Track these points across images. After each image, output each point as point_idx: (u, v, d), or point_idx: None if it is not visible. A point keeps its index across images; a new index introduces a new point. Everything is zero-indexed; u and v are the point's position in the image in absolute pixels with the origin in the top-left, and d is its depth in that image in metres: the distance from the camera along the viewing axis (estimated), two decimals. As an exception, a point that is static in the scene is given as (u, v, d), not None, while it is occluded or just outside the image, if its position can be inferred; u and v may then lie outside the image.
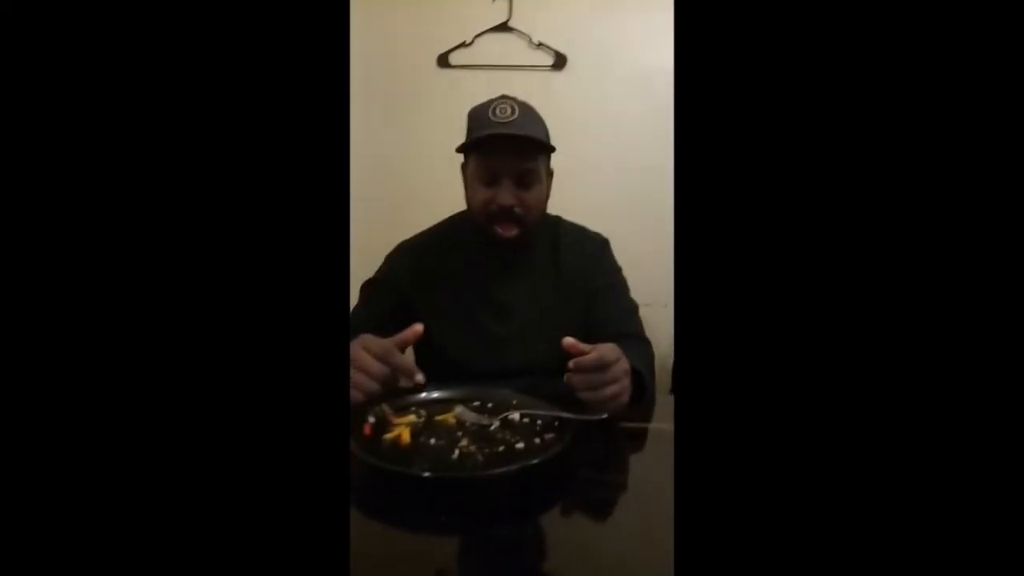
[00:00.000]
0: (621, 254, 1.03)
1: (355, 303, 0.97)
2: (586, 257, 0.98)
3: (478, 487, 0.57)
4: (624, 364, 0.69)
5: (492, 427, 0.66)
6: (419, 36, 1.52)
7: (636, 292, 1.02)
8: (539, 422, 0.67)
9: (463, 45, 1.51)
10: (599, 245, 1.02)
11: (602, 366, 0.66)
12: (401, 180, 1.57)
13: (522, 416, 0.68)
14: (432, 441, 0.63)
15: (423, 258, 0.97)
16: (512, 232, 0.88)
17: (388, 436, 0.63)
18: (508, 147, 0.85)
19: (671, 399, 0.98)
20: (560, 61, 1.50)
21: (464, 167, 0.94)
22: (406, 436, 0.63)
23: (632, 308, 0.99)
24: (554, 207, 0.99)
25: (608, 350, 0.67)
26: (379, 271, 0.99)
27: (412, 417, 0.68)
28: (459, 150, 0.90)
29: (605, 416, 0.67)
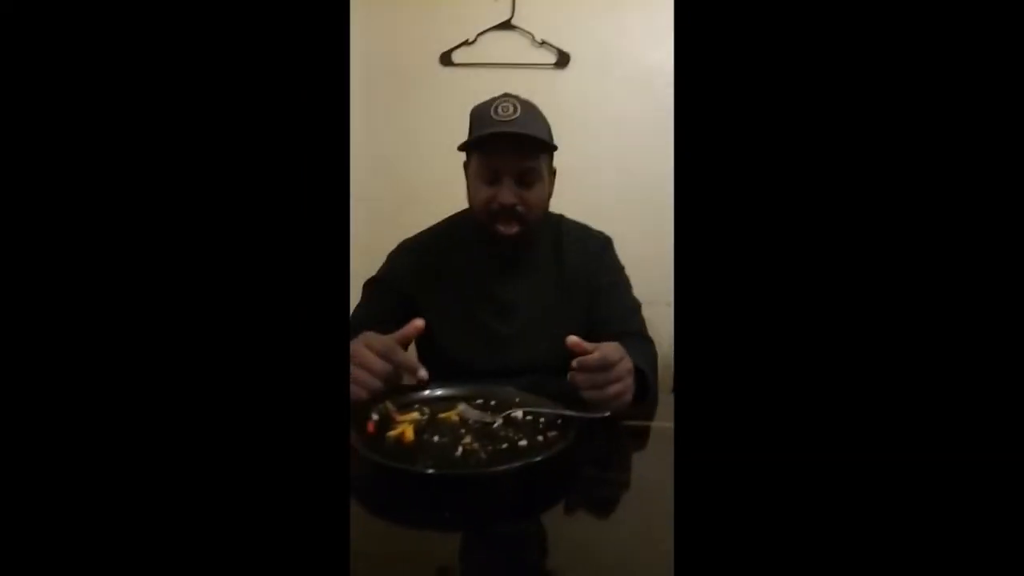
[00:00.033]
0: (623, 252, 1.03)
1: (357, 302, 0.97)
2: (589, 256, 0.99)
3: (481, 484, 0.57)
4: (627, 363, 0.69)
5: (495, 425, 0.66)
6: (421, 34, 1.52)
7: (638, 290, 1.02)
8: (542, 420, 0.67)
9: (466, 43, 1.50)
10: (602, 244, 1.02)
11: (606, 365, 0.66)
12: (403, 178, 1.57)
13: (525, 414, 0.69)
14: (435, 438, 0.63)
15: (425, 257, 0.97)
16: (513, 229, 0.88)
17: (392, 433, 0.64)
18: (510, 146, 0.85)
19: (672, 398, 0.98)
20: (563, 59, 1.49)
21: (466, 166, 0.94)
22: (410, 433, 0.63)
23: (635, 306, 0.99)
24: (557, 206, 0.99)
25: (612, 349, 0.67)
26: (381, 270, 1.00)
27: (416, 415, 0.69)
28: (461, 148, 0.90)
29: (608, 414, 0.67)
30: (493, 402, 0.73)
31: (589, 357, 0.66)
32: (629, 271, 1.03)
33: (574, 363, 0.66)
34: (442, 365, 0.87)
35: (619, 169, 1.52)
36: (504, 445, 0.62)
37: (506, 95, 0.89)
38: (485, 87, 0.98)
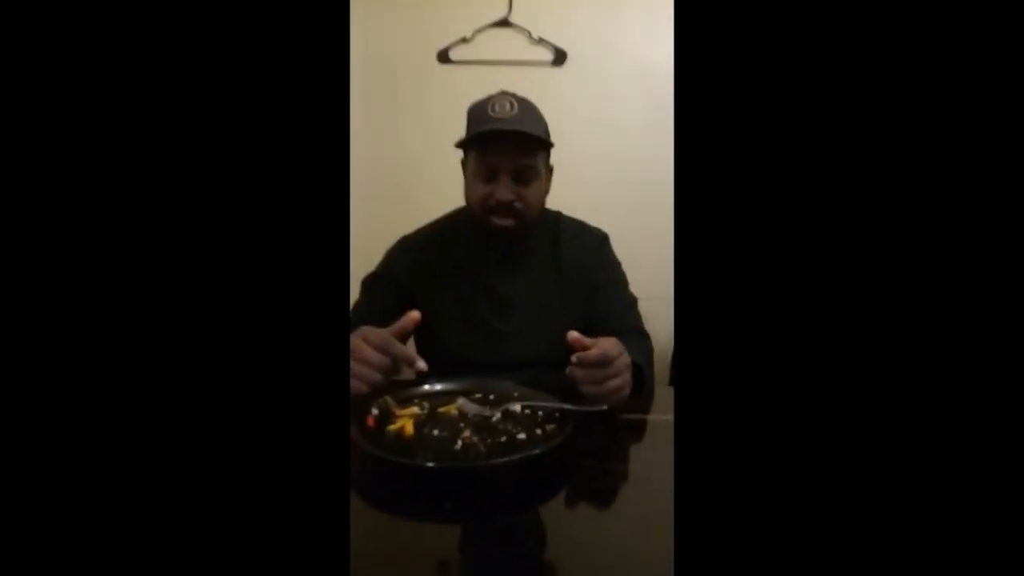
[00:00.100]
0: (620, 249, 1.04)
1: (356, 298, 0.98)
2: (586, 252, 0.99)
3: (481, 477, 0.58)
4: (625, 359, 0.70)
5: (494, 418, 0.67)
6: (419, 32, 1.52)
7: (635, 286, 1.02)
8: (540, 413, 0.68)
9: (463, 41, 1.51)
10: (599, 240, 1.02)
11: (605, 361, 0.67)
12: (400, 175, 1.57)
13: (523, 408, 0.69)
14: (435, 432, 0.64)
15: (423, 253, 0.98)
16: (509, 222, 0.88)
17: (392, 428, 0.64)
18: (507, 143, 0.85)
19: (670, 391, 0.99)
20: (560, 57, 1.50)
21: (464, 163, 0.95)
22: (409, 428, 0.64)
23: (632, 302, 1.00)
24: (554, 203, 1.00)
25: (610, 345, 0.68)
26: (379, 266, 1.00)
27: (415, 409, 0.69)
28: (458, 146, 0.91)
29: (605, 408, 0.68)
30: (492, 396, 0.73)
31: (588, 353, 0.66)
32: (625, 267, 1.03)
33: (573, 358, 0.67)
34: (441, 360, 0.87)
35: (616, 166, 1.52)
36: (503, 438, 0.62)
37: (503, 92, 0.90)
38: (482, 85, 0.98)
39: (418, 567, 0.47)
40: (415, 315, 0.73)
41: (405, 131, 1.56)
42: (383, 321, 0.74)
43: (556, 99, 1.12)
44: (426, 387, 0.76)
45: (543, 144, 0.89)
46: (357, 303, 0.97)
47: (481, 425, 0.65)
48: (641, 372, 0.76)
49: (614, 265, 1.02)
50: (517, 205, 0.88)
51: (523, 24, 1.49)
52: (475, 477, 0.58)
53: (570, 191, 1.06)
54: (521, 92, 0.91)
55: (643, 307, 1.01)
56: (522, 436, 0.63)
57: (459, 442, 0.61)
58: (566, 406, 0.67)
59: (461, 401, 0.70)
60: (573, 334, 0.68)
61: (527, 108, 0.89)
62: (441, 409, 0.69)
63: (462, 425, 0.65)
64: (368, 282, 0.99)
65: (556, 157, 0.95)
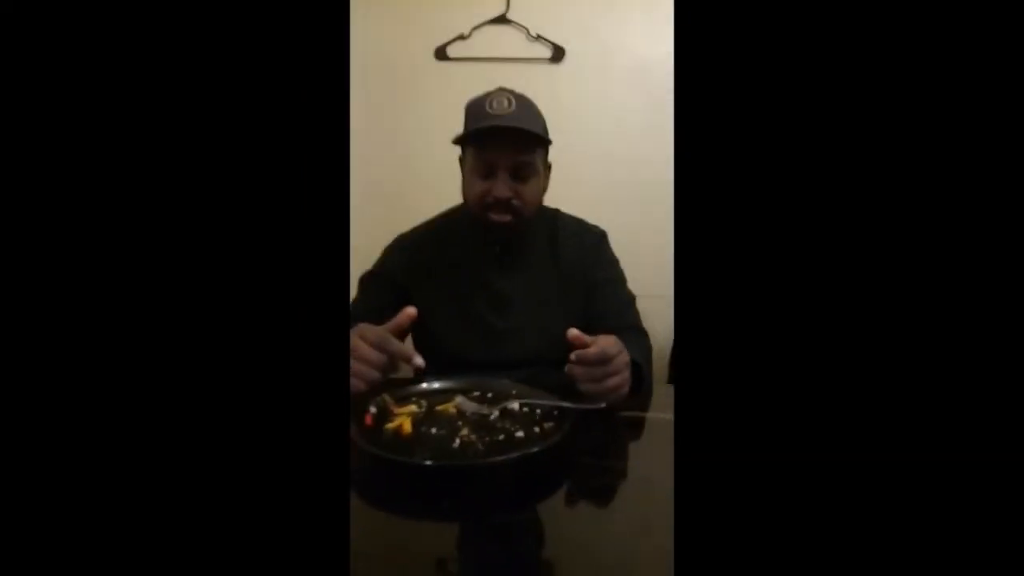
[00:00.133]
0: (618, 247, 1.04)
1: (353, 296, 0.98)
2: (585, 250, 0.99)
3: (479, 475, 0.58)
4: (625, 357, 0.70)
5: (492, 416, 0.67)
6: (416, 29, 1.52)
7: (633, 284, 1.02)
8: (538, 411, 0.68)
9: (461, 38, 1.50)
10: (597, 238, 1.02)
11: (604, 359, 0.67)
12: (397, 173, 1.57)
13: (522, 406, 0.69)
14: (433, 431, 0.64)
15: (421, 251, 0.98)
16: (506, 218, 0.88)
17: (390, 426, 0.64)
18: (505, 140, 0.85)
19: (668, 389, 0.99)
20: (558, 54, 1.49)
21: (462, 160, 0.95)
22: (407, 426, 0.64)
23: (630, 300, 1.00)
24: (552, 200, 1.00)
25: (610, 343, 0.68)
26: (377, 264, 1.00)
27: (413, 407, 0.69)
28: (456, 142, 0.91)
29: (603, 406, 0.67)
30: (490, 394, 0.73)
31: (588, 351, 0.66)
32: (625, 264, 1.03)
33: (572, 356, 0.67)
34: (439, 358, 0.87)
35: (614, 164, 1.52)
36: (501, 436, 0.62)
37: (501, 89, 0.89)
38: (480, 82, 0.98)
39: (416, 565, 0.47)
40: (411, 311, 0.72)
41: (402, 128, 1.56)
42: (380, 319, 0.74)
43: (554, 96, 1.12)
44: (424, 385, 0.76)
45: (541, 141, 0.89)
46: (354, 301, 0.97)
47: (479, 423, 0.65)
48: (640, 370, 0.76)
49: (612, 263, 1.02)
50: (515, 202, 0.88)
51: (521, 21, 1.48)
52: (473, 475, 0.58)
53: (568, 188, 1.06)
54: (519, 89, 0.91)
55: (641, 305, 1.01)
56: (520, 434, 0.63)
57: (457, 440, 0.61)
58: (564, 404, 0.67)
59: (459, 399, 0.70)
60: (573, 331, 0.67)
61: (525, 105, 0.88)
62: (439, 407, 0.69)
63: (460, 423, 0.65)
64: (365, 280, 0.99)
65: (554, 154, 0.95)
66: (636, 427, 0.76)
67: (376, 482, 0.58)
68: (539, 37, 1.49)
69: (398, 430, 0.63)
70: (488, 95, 0.88)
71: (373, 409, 0.67)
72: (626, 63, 1.50)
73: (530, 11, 1.49)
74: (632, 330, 0.93)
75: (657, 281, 1.25)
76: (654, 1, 1.45)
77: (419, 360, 0.70)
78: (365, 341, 0.69)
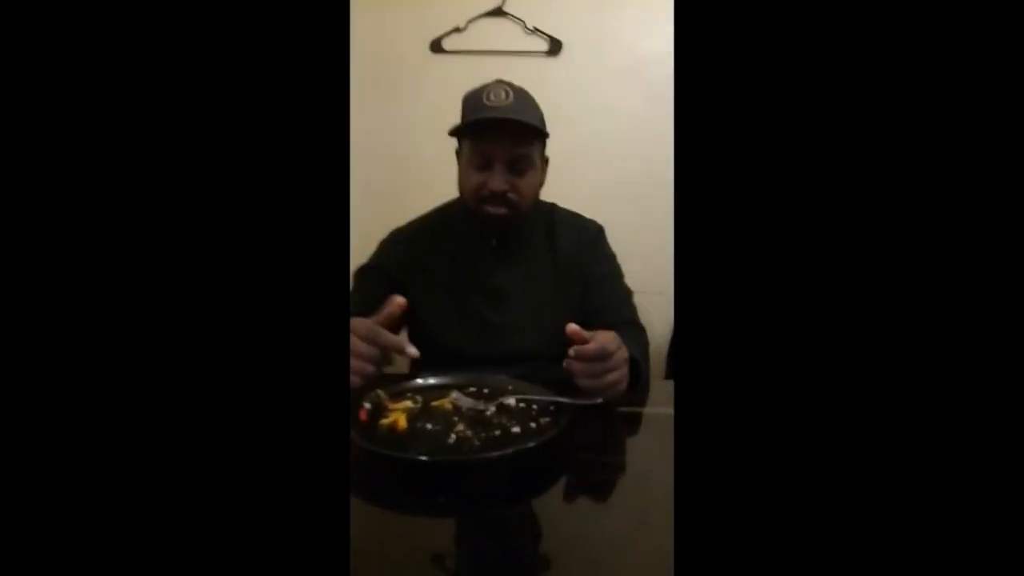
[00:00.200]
0: (615, 241, 1.04)
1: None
2: (582, 245, 0.98)
3: (475, 470, 0.57)
4: (623, 353, 0.70)
5: (488, 412, 0.66)
6: (412, 21, 1.50)
7: (630, 279, 1.02)
8: (535, 407, 0.68)
9: (456, 30, 1.49)
10: (594, 233, 1.02)
11: (603, 355, 0.66)
12: (393, 166, 1.56)
13: (518, 401, 0.69)
14: (428, 426, 0.63)
15: (416, 245, 0.97)
16: (502, 210, 0.87)
17: (384, 421, 0.63)
18: (502, 131, 0.84)
19: (665, 384, 0.99)
20: (555, 47, 1.48)
21: (458, 152, 0.94)
22: (402, 421, 0.63)
23: (627, 295, 0.99)
24: (549, 194, 0.99)
25: (609, 339, 0.68)
26: (372, 257, 0.99)
27: (408, 403, 0.68)
28: (453, 134, 0.90)
29: (600, 401, 0.67)
30: (486, 390, 0.73)
31: (587, 347, 0.66)
32: (621, 260, 1.03)
33: (571, 352, 0.66)
34: (435, 353, 0.87)
35: (611, 158, 1.51)
36: (497, 432, 0.62)
37: (499, 81, 0.88)
38: (476, 75, 0.97)
39: (412, 561, 0.47)
40: (400, 300, 0.71)
41: (397, 121, 1.54)
42: (375, 313, 0.73)
43: (551, 90, 1.11)
44: (419, 381, 0.75)
45: (538, 133, 0.88)
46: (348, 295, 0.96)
47: (475, 419, 0.65)
48: (637, 366, 0.76)
49: (609, 257, 1.02)
50: (511, 195, 0.87)
51: (517, 14, 1.47)
52: (469, 471, 0.57)
53: (563, 182, 1.05)
54: (516, 82, 0.90)
55: (638, 301, 1.00)
56: (516, 429, 0.62)
57: (453, 436, 0.61)
58: (561, 399, 0.67)
59: (455, 395, 0.70)
60: (572, 327, 0.67)
61: (523, 97, 0.88)
62: (435, 403, 0.69)
63: (456, 419, 0.65)
64: (360, 274, 0.98)
65: (550, 148, 0.94)
66: (633, 422, 0.75)
67: (371, 478, 0.57)
68: (536, 30, 1.48)
69: (393, 426, 0.63)
70: (486, 87, 0.87)
71: (367, 405, 0.66)
72: (623, 57, 1.49)
73: (527, 4, 1.47)
74: (629, 325, 0.92)
75: (654, 277, 1.24)
76: (652, -6, 1.44)
77: (411, 349, 0.69)
78: (355, 335, 0.68)
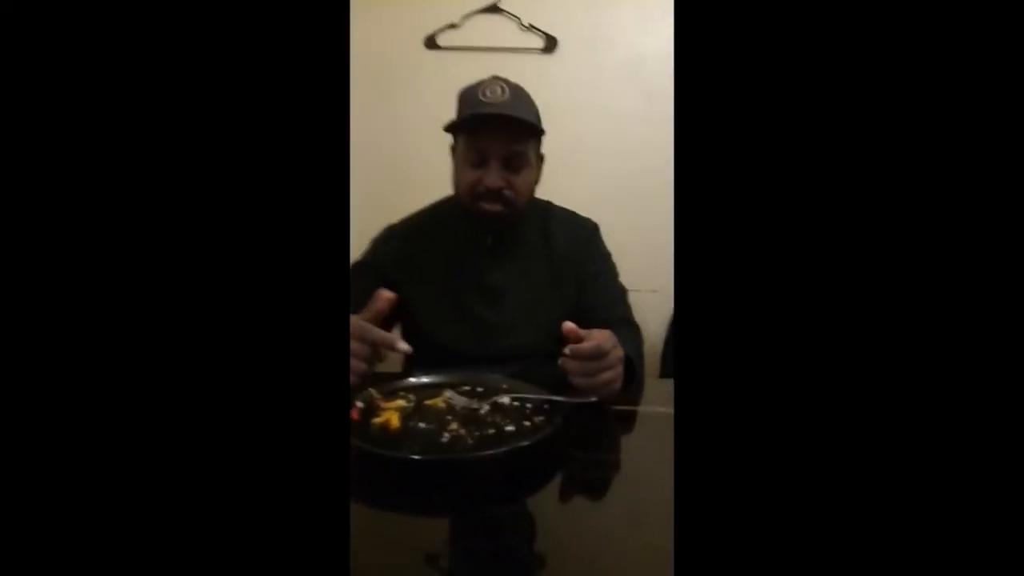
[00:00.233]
0: (610, 239, 1.03)
1: (342, 288, 0.96)
2: (577, 243, 0.98)
3: (468, 469, 0.57)
4: (619, 351, 0.70)
5: (482, 411, 0.66)
6: (406, 17, 1.49)
7: (625, 278, 1.02)
8: (529, 405, 0.67)
9: (451, 27, 1.48)
10: (590, 231, 1.01)
11: (599, 354, 0.66)
12: (388, 163, 1.55)
13: (512, 400, 0.68)
14: (421, 425, 0.63)
15: (411, 242, 0.96)
16: (497, 208, 0.87)
17: (377, 420, 0.63)
18: (498, 128, 0.84)
19: (661, 383, 0.99)
20: (550, 44, 1.48)
21: (453, 149, 0.93)
22: (395, 420, 0.63)
23: (622, 293, 0.99)
24: (544, 192, 0.98)
25: (604, 338, 0.67)
26: (365, 254, 0.98)
27: (401, 402, 0.68)
28: (448, 130, 0.89)
29: (594, 399, 0.67)
30: (480, 389, 0.72)
31: (583, 345, 0.65)
32: (616, 258, 1.02)
33: (567, 350, 0.66)
34: (429, 351, 0.86)
35: (607, 156, 1.51)
36: (491, 430, 0.61)
37: (495, 77, 0.88)
38: (471, 72, 0.96)
39: (406, 560, 0.46)
40: (388, 295, 0.71)
41: (391, 117, 1.54)
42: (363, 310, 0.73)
43: (547, 87, 1.10)
44: (412, 380, 0.75)
45: (534, 130, 0.87)
46: (342, 292, 0.95)
47: (469, 418, 0.64)
48: (632, 364, 0.76)
49: (604, 256, 1.01)
50: (506, 192, 0.87)
51: (513, 10, 1.47)
52: (462, 469, 0.57)
53: (560, 180, 1.05)
54: (511, 79, 0.89)
55: (633, 298, 1.00)
56: (510, 428, 0.62)
57: (446, 434, 0.60)
58: (555, 398, 0.66)
59: (449, 394, 0.69)
60: (568, 325, 0.67)
61: (519, 94, 0.87)
62: (428, 402, 0.68)
63: (449, 417, 0.64)
64: (353, 271, 0.97)
65: (546, 146, 0.94)
66: (628, 421, 0.75)
67: (364, 477, 0.57)
68: (531, 27, 1.47)
69: (385, 425, 0.62)
70: (481, 83, 0.86)
71: (360, 404, 0.66)
72: (619, 54, 1.48)
73: (522, 0, 1.47)
74: (623, 323, 0.92)
75: (649, 275, 1.24)
76: (648, -8, 1.43)
77: (403, 345, 0.68)
78: None
